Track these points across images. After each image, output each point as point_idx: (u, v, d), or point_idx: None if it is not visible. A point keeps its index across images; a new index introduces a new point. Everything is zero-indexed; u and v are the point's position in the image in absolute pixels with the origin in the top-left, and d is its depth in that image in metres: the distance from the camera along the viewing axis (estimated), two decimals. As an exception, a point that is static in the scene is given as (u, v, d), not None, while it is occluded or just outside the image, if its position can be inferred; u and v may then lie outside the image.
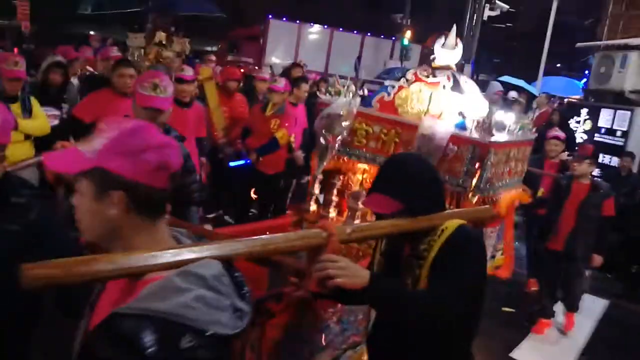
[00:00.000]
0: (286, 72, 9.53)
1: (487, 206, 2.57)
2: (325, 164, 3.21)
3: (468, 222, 1.97)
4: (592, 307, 5.74)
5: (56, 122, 5.04)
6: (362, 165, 3.51)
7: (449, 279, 1.75)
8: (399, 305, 1.72)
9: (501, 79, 15.48)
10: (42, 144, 4.43)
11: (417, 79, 3.37)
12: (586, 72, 15.80)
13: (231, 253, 1.31)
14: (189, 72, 5.33)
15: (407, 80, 3.40)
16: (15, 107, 4.16)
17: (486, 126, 2.87)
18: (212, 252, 1.24)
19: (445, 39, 3.42)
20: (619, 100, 10.26)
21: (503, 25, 21.50)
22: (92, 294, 1.34)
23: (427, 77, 3.36)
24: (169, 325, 1.04)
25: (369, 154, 3.26)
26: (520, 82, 13.95)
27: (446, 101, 3.21)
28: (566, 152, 6.18)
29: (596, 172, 6.75)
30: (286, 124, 5.79)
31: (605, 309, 5.96)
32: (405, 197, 1.87)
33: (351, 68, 19.03)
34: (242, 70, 16.12)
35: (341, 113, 3.04)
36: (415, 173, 1.94)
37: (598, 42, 12.33)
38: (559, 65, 21.14)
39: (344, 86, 3.33)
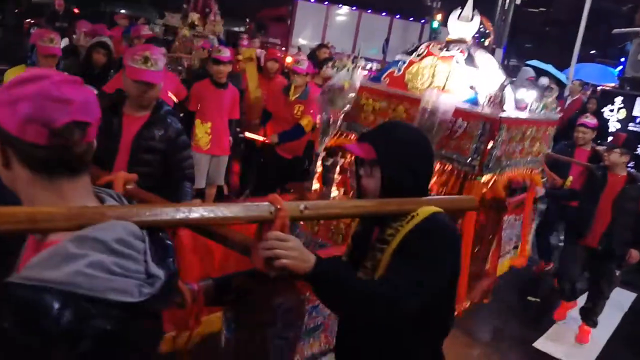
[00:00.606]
0: (313, 54, 9.38)
1: (470, 196, 2.37)
2: (327, 140, 3.04)
3: (447, 211, 1.76)
4: (620, 299, 5.51)
5: None
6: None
7: (410, 269, 1.58)
8: (341, 294, 1.55)
9: (529, 62, 15.04)
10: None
11: (430, 53, 3.17)
12: (622, 59, 15.28)
13: (158, 220, 1.19)
14: (225, 53, 5.29)
15: (418, 54, 3.20)
16: None
17: (498, 100, 2.66)
18: (142, 218, 1.13)
19: (462, 11, 3.21)
20: (656, 89, 9.96)
21: (537, 10, 20.92)
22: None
23: (440, 50, 3.15)
24: (63, 294, 0.95)
25: (377, 130, 3.06)
26: (548, 67, 13.50)
27: (459, 76, 3.00)
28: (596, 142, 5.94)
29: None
30: (311, 110, 5.49)
31: (632, 303, 5.78)
32: (382, 151, 1.71)
33: (379, 50, 18.85)
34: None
35: (343, 86, 2.86)
36: (404, 139, 1.77)
37: (636, 28, 11.95)
38: (593, 51, 20.48)
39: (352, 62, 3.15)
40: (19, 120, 1.05)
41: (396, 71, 3.21)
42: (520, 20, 18.67)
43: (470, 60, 3.08)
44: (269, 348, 1.91)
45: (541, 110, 3.32)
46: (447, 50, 3.15)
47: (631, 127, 9.73)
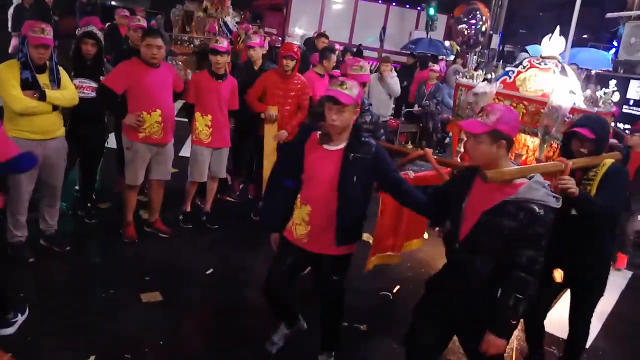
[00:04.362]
0: (311, 43, 10.14)
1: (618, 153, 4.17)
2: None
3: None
4: (618, 277, 6.38)
5: (93, 94, 5.15)
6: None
7: (608, 193, 3.31)
8: (583, 203, 3.30)
9: (528, 48, 16.51)
10: (78, 115, 4.97)
11: (532, 66, 5.00)
12: (614, 43, 16.87)
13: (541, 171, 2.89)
14: (223, 43, 5.55)
15: (523, 66, 5.03)
16: (44, 78, 4.42)
17: (593, 100, 4.52)
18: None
19: (552, 36, 5.04)
20: (649, 71, 11.12)
21: (530, -4, 22.86)
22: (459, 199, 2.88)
23: (540, 64, 4.98)
24: (535, 204, 2.56)
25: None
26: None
27: (556, 82, 4.81)
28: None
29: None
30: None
31: (629, 280, 6.64)
32: (597, 134, 3.44)
33: (376, 39, 20.33)
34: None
35: (486, 92, 4.67)
36: (604, 128, 3.56)
37: (629, 12, 13.15)
38: (585, 36, 22.43)
39: (477, 71, 4.95)
40: (514, 129, 2.73)
41: (508, 79, 5.03)
42: (515, 6, 20.51)
43: (563, 71, 4.91)
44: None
45: (602, 105, 5.17)
46: (544, 64, 4.98)
47: (625, 109, 10.91)
